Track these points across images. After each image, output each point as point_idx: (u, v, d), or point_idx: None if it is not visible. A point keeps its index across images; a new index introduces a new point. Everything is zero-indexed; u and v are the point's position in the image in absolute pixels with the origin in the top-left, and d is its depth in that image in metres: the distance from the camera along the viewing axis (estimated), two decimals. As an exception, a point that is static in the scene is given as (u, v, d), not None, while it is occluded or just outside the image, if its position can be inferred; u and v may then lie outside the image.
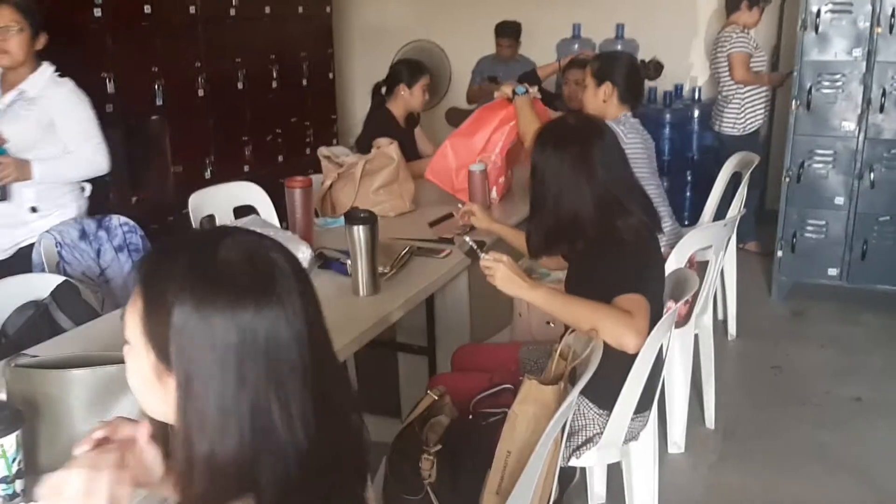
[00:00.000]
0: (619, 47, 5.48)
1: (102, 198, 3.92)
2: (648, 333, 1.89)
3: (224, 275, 0.88)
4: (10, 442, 1.38)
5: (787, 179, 4.31)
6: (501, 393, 2.05)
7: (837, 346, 3.92)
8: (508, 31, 5.50)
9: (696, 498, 2.80)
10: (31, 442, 1.47)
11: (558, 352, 1.85)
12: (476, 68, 5.64)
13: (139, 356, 0.92)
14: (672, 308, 2.14)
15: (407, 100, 3.82)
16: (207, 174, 4.55)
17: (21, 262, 2.72)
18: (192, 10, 4.42)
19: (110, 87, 3.93)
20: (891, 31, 3.97)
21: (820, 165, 4.24)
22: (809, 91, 4.17)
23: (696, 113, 5.44)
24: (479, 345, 2.65)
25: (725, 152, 4.23)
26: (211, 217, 3.18)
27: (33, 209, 2.84)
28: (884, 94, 4.03)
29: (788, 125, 4.29)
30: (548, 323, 2.57)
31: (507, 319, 2.77)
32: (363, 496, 1.00)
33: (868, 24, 4.02)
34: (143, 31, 4.13)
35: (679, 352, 2.91)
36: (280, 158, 5.17)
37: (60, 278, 2.42)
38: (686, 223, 5.07)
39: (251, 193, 3.34)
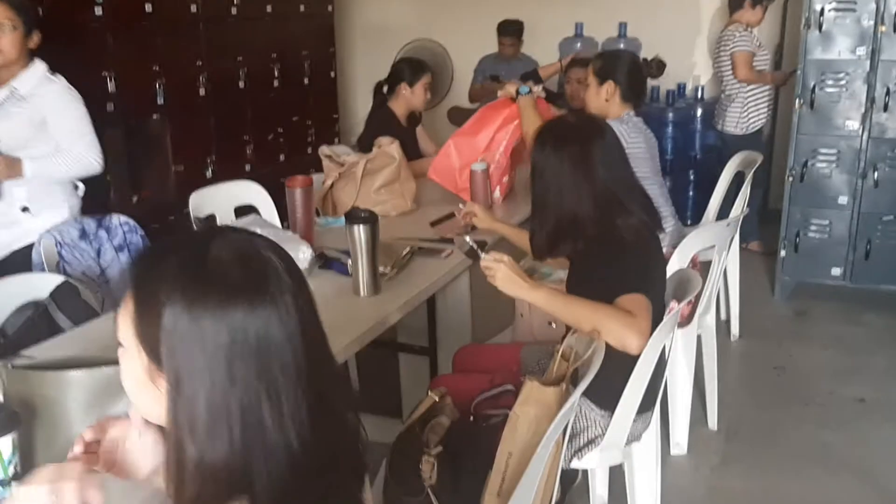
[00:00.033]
0: (621, 46, 5.46)
1: (103, 197, 3.93)
2: (651, 334, 1.88)
3: (215, 274, 0.87)
4: (6, 444, 1.37)
5: (791, 179, 4.29)
6: (502, 394, 2.04)
7: (841, 346, 3.90)
8: (511, 30, 5.49)
9: (699, 500, 2.78)
10: (28, 444, 1.46)
11: (560, 353, 1.84)
12: (478, 67, 5.63)
13: (132, 358, 0.92)
14: (675, 309, 2.13)
15: (408, 98, 3.81)
16: (209, 173, 4.53)
17: (20, 261, 2.69)
18: (193, 8, 4.40)
19: (111, 86, 3.91)
20: (895, 30, 3.95)
21: (823, 165, 4.22)
22: (813, 90, 4.15)
23: (699, 112, 5.42)
24: (480, 345, 2.64)
25: (728, 151, 4.21)
26: (211, 217, 3.16)
27: (24, 209, 2.81)
28: (888, 92, 4.01)
29: (792, 124, 4.27)
30: (550, 323, 2.55)
31: (508, 320, 2.76)
32: (360, 497, 0.99)
33: (872, 22, 4.00)
34: (144, 30, 4.11)
35: (682, 352, 2.89)
36: (282, 158, 5.15)
37: (60, 278, 2.40)
38: (689, 223, 5.05)
39: (252, 193, 3.32)
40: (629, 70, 3.07)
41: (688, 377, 2.94)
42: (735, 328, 3.96)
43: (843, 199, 4.21)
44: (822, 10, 4.06)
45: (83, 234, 2.86)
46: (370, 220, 2.25)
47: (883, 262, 4.18)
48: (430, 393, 2.03)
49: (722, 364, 3.21)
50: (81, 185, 2.97)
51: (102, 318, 2.25)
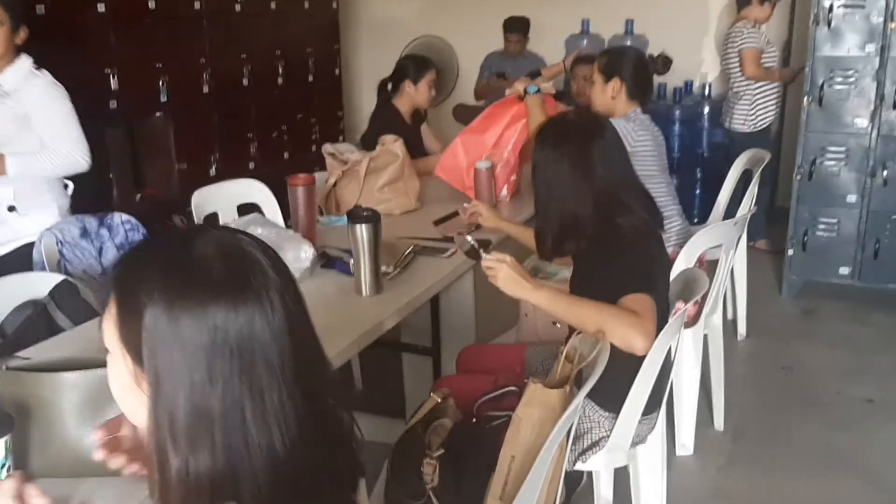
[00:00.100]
0: (628, 43, 5.42)
1: (106, 195, 3.92)
2: (656, 334, 1.86)
3: (197, 273, 0.85)
4: (-1, 447, 1.35)
5: (799, 177, 4.25)
6: (505, 395, 2.01)
7: (849, 346, 3.86)
8: (516, 27, 5.46)
9: (705, 501, 2.75)
10: (23, 446, 1.44)
11: (564, 354, 1.81)
12: (484, 64, 5.61)
13: (117, 362, 0.90)
14: (681, 309, 2.10)
15: (413, 96, 3.78)
16: (212, 171, 4.51)
17: (18, 260, 2.67)
18: (196, 5, 4.39)
19: (114, 84, 3.90)
20: (905, 26, 3.92)
21: (832, 163, 4.19)
22: (821, 87, 4.11)
23: (706, 109, 5.38)
24: (484, 345, 2.61)
25: (736, 149, 4.18)
26: (213, 215, 3.14)
27: (11, 208, 2.75)
28: (897, 90, 3.97)
29: (800, 122, 4.24)
30: (554, 324, 2.52)
31: (512, 320, 2.73)
32: (354, 499, 0.97)
33: (881, 19, 3.96)
34: (147, 27, 4.09)
35: (688, 352, 2.86)
36: (286, 156, 5.13)
37: (60, 277, 2.39)
38: (696, 221, 5.02)
39: (255, 191, 3.30)
40: (635, 67, 3.04)
41: (694, 377, 2.91)
42: (742, 327, 3.92)
43: (851, 198, 4.18)
44: (831, 6, 4.03)
45: (84, 233, 2.84)
46: (372, 218, 2.22)
47: (891, 262, 4.14)
48: (432, 394, 2.01)
49: (728, 364, 3.18)
50: (71, 184, 2.91)
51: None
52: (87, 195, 3.72)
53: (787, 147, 5.31)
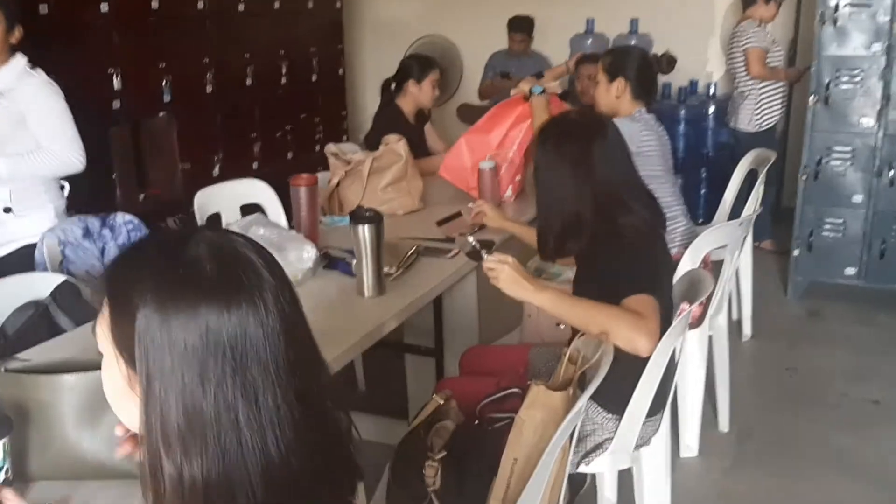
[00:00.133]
0: (633, 42, 5.40)
1: (109, 195, 3.92)
2: (660, 335, 1.84)
3: (189, 274, 0.84)
4: (-3, 450, 1.34)
5: (805, 177, 4.23)
6: (508, 397, 2.00)
7: (854, 347, 3.84)
8: (521, 26, 5.45)
9: (709, 503, 2.74)
10: (22, 449, 1.43)
11: (567, 356, 1.80)
12: (488, 63, 5.60)
13: (111, 366, 0.89)
14: (686, 310, 2.09)
15: (416, 96, 3.77)
16: (216, 171, 4.51)
17: (18, 262, 2.65)
18: (199, 5, 4.38)
19: (117, 84, 3.89)
20: (911, 26, 3.89)
21: (838, 163, 4.16)
22: (827, 87, 4.09)
23: (712, 109, 5.36)
24: (487, 347, 2.60)
25: (741, 149, 4.15)
26: (216, 215, 3.13)
27: (7, 209, 2.71)
28: (904, 89, 3.95)
29: (806, 121, 4.21)
30: (558, 325, 2.51)
31: (516, 321, 2.72)
32: (351, 501, 0.96)
33: (888, 18, 3.94)
34: (151, 27, 4.08)
35: (693, 353, 2.84)
36: (289, 155, 5.12)
37: (61, 278, 2.38)
38: (700, 221, 4.99)
39: (258, 191, 3.28)
40: (639, 66, 3.02)
41: (699, 378, 2.89)
42: (747, 328, 3.90)
43: (857, 198, 4.15)
44: (837, 5, 4.00)
45: (87, 233, 2.83)
46: (375, 219, 2.21)
47: (898, 262, 4.11)
48: (434, 396, 2.00)
49: (734, 365, 3.16)
50: (67, 185, 2.87)
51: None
52: (90, 195, 3.72)
53: (792, 147, 5.28)
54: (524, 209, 3.14)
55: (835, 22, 4.02)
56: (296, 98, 5.17)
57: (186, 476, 0.83)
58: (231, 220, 3.10)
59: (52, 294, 2.27)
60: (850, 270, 4.22)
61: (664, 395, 2.15)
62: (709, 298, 2.67)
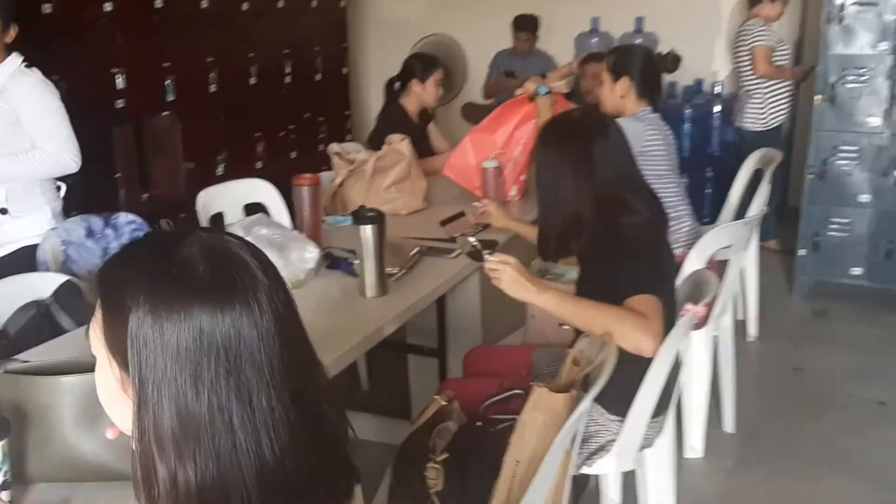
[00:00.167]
0: (638, 41, 5.38)
1: (112, 195, 3.91)
2: (663, 335, 1.83)
3: (182, 275, 0.83)
4: (-5, 452, 1.33)
5: (811, 176, 4.20)
6: (511, 398, 1.99)
7: (860, 347, 3.81)
8: (526, 25, 5.43)
9: (715, 504, 2.73)
10: (21, 451, 1.43)
11: (571, 358, 1.78)
12: (493, 62, 5.58)
13: (104, 369, 0.88)
14: (690, 311, 2.07)
15: (420, 95, 3.76)
16: (219, 171, 4.50)
17: (17, 263, 2.62)
18: (203, 4, 4.37)
19: (120, 83, 3.88)
20: (918, 24, 3.87)
21: (844, 162, 4.14)
22: (833, 86, 4.07)
23: (717, 108, 5.33)
24: (490, 347, 2.59)
25: (747, 148, 4.13)
26: (219, 215, 3.13)
27: (3, 210, 2.68)
28: (911, 88, 3.92)
29: (812, 121, 4.19)
30: (561, 325, 2.49)
31: (519, 321, 2.70)
32: None
33: (894, 17, 3.91)
34: (154, 26, 4.07)
35: (698, 354, 2.82)
36: (293, 155, 5.11)
37: (63, 277, 2.37)
38: (706, 220, 4.97)
39: (261, 191, 3.28)
40: (644, 65, 3.01)
41: (704, 379, 2.87)
42: (752, 328, 3.88)
43: (864, 198, 4.13)
44: (843, 4, 3.98)
45: (90, 233, 2.82)
46: (377, 219, 2.20)
47: (905, 262, 4.09)
48: (436, 397, 1.98)
49: (739, 365, 3.14)
50: (63, 186, 2.84)
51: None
52: (93, 195, 3.72)
53: (798, 146, 5.26)
54: (529, 209, 3.12)
55: (841, 21, 4.00)
56: (299, 97, 5.16)
57: (180, 479, 0.82)
58: (234, 219, 3.09)
59: (55, 294, 2.27)
60: (857, 270, 4.20)
61: (668, 397, 2.13)
62: (714, 299, 2.65)
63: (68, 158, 2.67)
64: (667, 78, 5.11)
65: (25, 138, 2.64)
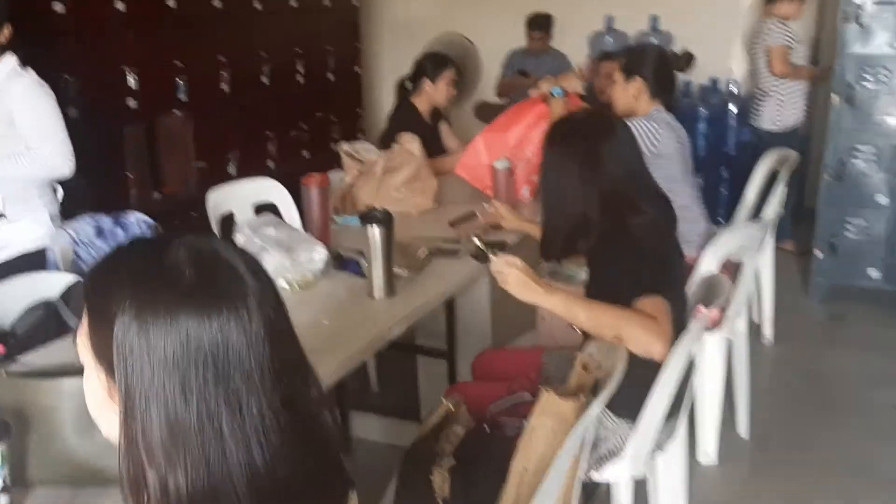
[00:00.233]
0: (653, 40, 5.33)
1: (123, 194, 3.91)
2: (673, 338, 1.80)
3: (168, 280, 0.82)
4: (-5, 456, 1.32)
5: (827, 177, 4.15)
6: (520, 402, 1.96)
7: (878, 351, 3.76)
8: (540, 24, 5.40)
9: (728, 511, 2.69)
10: (21, 454, 1.41)
11: (580, 363, 1.75)
12: (506, 61, 5.55)
13: (91, 376, 0.87)
14: (702, 314, 2.03)
15: (431, 94, 3.73)
16: (231, 170, 4.49)
17: (18, 270, 2.60)
18: (215, 3, 4.36)
19: (132, 82, 3.88)
20: (938, 23, 3.81)
21: (861, 163, 4.08)
22: (851, 86, 4.01)
23: (733, 108, 5.28)
24: (500, 350, 2.56)
25: (764, 148, 4.07)
26: (229, 215, 3.11)
27: (0, 215, 2.64)
28: (930, 88, 3.87)
29: (829, 121, 4.13)
30: (572, 327, 2.46)
31: (530, 324, 2.67)
32: None
33: (914, 15, 3.86)
34: (166, 25, 4.07)
35: (712, 357, 2.78)
36: (305, 154, 5.10)
37: (71, 278, 2.36)
38: (721, 221, 4.93)
39: (271, 191, 3.26)
40: (657, 65, 2.97)
41: (718, 383, 2.83)
42: (768, 331, 3.83)
43: (881, 199, 4.07)
44: (862, 3, 3.92)
45: (99, 232, 2.81)
46: (385, 220, 2.18)
47: (923, 265, 4.03)
48: (444, 401, 1.96)
49: (754, 369, 3.10)
50: (60, 189, 2.80)
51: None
52: (104, 194, 3.72)
53: (815, 146, 5.19)
54: (540, 209, 3.09)
55: (857, 19, 3.94)
56: (311, 97, 5.14)
57: (171, 487, 0.80)
58: (244, 219, 3.08)
59: (63, 294, 2.26)
60: (874, 273, 4.14)
61: (680, 400, 2.10)
62: (727, 302, 2.61)
63: (62, 162, 2.62)
64: (682, 77, 5.07)
65: (20, 140, 2.59)
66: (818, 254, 4.24)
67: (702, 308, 2.13)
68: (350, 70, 5.62)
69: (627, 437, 2.00)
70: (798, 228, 4.86)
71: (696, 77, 5.33)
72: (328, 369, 1.79)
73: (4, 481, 1.34)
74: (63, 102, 3.54)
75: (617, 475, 2.06)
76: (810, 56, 5.16)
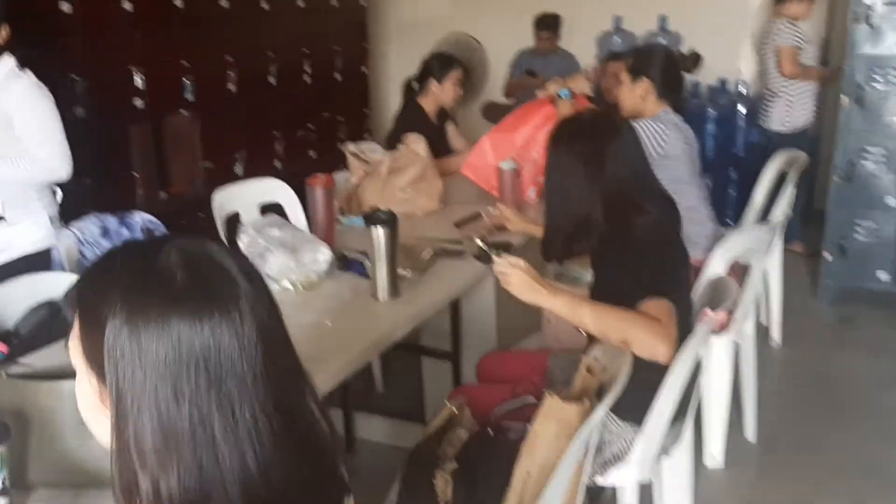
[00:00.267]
0: (661, 40, 5.31)
1: (129, 193, 3.91)
2: (678, 340, 1.78)
3: (159, 283, 0.81)
4: (-6, 458, 1.31)
5: (837, 179, 4.12)
6: (524, 406, 1.95)
7: (888, 353, 3.73)
8: (548, 24, 5.38)
9: (735, 515, 2.67)
10: (21, 456, 1.41)
11: (585, 366, 1.73)
12: (514, 61, 5.54)
13: (83, 381, 0.86)
14: (709, 317, 2.02)
15: (438, 95, 3.72)
16: (238, 170, 4.49)
17: (27, 265, 2.60)
18: (223, 3, 4.36)
19: (139, 82, 3.88)
20: (949, 23, 3.77)
21: (871, 164, 4.05)
22: (861, 87, 3.98)
23: (742, 108, 5.25)
24: (505, 352, 2.55)
25: (773, 149, 4.05)
26: (235, 215, 3.11)
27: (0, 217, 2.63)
28: (941, 89, 3.83)
29: (838, 122, 4.10)
30: (578, 329, 2.45)
31: (536, 326, 2.66)
32: None
33: (925, 16, 3.83)
34: (174, 25, 4.07)
35: (719, 360, 2.76)
36: (312, 154, 5.10)
37: (76, 277, 2.35)
38: (729, 222, 4.90)
39: (277, 191, 3.25)
40: (664, 66, 2.95)
41: (725, 386, 2.81)
42: (776, 334, 3.80)
43: (891, 201, 4.04)
44: (872, 3, 3.89)
45: (105, 232, 2.81)
46: (389, 221, 2.16)
47: (933, 267, 4.00)
48: (448, 403, 1.95)
49: (762, 372, 3.08)
50: (60, 192, 2.78)
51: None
52: (111, 193, 3.72)
53: (824, 147, 5.16)
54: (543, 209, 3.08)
55: (867, 19, 3.91)
56: (319, 97, 5.14)
57: (163, 492, 0.80)
58: (250, 219, 3.07)
59: (67, 294, 2.25)
60: (883, 275, 4.11)
61: (686, 403, 2.08)
62: (734, 305, 2.59)
63: (57, 165, 2.60)
64: (690, 77, 5.04)
65: (17, 142, 2.57)
66: (827, 256, 4.21)
67: (708, 311, 2.11)
68: (357, 70, 5.61)
69: (632, 441, 1.99)
70: (807, 230, 4.83)
71: (705, 77, 5.30)
72: (332, 370, 1.79)
73: (4, 483, 1.34)
74: (70, 102, 3.57)
75: (623, 480, 2.04)
76: (820, 57, 5.12)
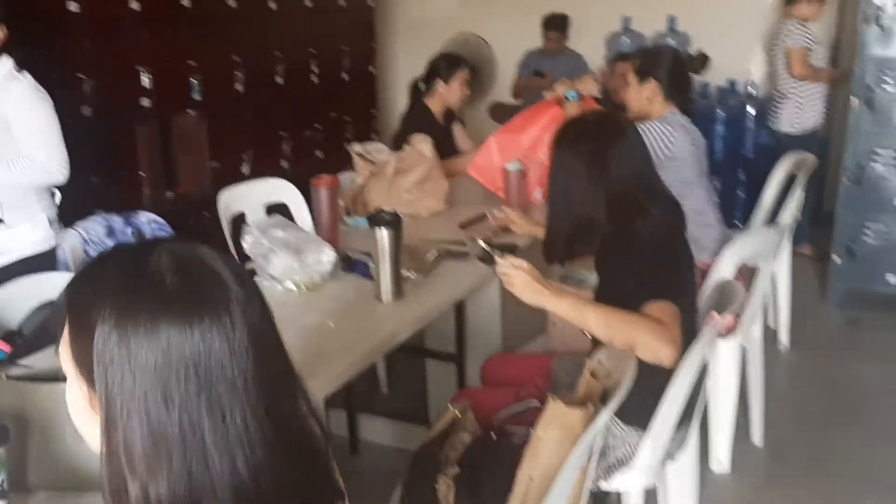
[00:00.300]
0: (670, 41, 5.28)
1: (136, 193, 3.91)
2: (684, 344, 1.77)
3: (149, 288, 0.80)
4: (-7, 460, 1.31)
5: (846, 181, 4.09)
6: (527, 410, 1.93)
7: (897, 358, 3.70)
8: (556, 25, 5.37)
9: (741, 521, 2.65)
10: (21, 458, 1.40)
11: (589, 370, 1.72)
12: (522, 62, 5.52)
13: (73, 386, 0.86)
14: (716, 321, 2.00)
15: (444, 95, 3.71)
16: (245, 170, 4.49)
17: (28, 267, 2.59)
18: (230, 3, 4.36)
19: (146, 82, 3.88)
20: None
21: (881, 166, 4.02)
22: (871, 88, 3.95)
23: (751, 110, 5.22)
24: (509, 355, 2.53)
25: (782, 151, 4.03)
26: (240, 215, 3.10)
27: None
28: (952, 91, 3.80)
29: (848, 124, 4.07)
30: (583, 332, 2.43)
31: (541, 328, 2.64)
32: None
33: (936, 17, 3.79)
34: (181, 25, 4.07)
35: (726, 364, 2.74)
36: (319, 154, 5.09)
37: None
38: (738, 224, 4.87)
39: (283, 191, 3.25)
40: (671, 67, 2.93)
41: (731, 390, 2.79)
42: (784, 337, 3.77)
43: (902, 203, 4.01)
44: (883, 4, 3.86)
45: (110, 232, 2.81)
46: (393, 222, 2.15)
47: (944, 270, 3.96)
48: (451, 407, 1.93)
49: (769, 376, 3.06)
50: (59, 194, 2.77)
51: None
52: (118, 193, 3.73)
53: (833, 149, 5.12)
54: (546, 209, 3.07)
55: (879, 21, 3.88)
56: (326, 97, 5.13)
57: (153, 497, 0.79)
58: (256, 220, 3.06)
59: (70, 295, 2.25)
60: (893, 278, 4.08)
61: (691, 408, 2.07)
62: (742, 308, 2.57)
63: (55, 168, 2.58)
64: (699, 79, 5.01)
65: (14, 144, 2.56)
66: (836, 258, 4.18)
67: (715, 314, 2.10)
68: (365, 70, 5.60)
69: (637, 446, 1.97)
70: (816, 232, 4.79)
71: (714, 79, 5.27)
72: (336, 371, 1.78)
73: (3, 485, 1.33)
74: (77, 101, 3.58)
75: (627, 485, 2.03)
76: (830, 58, 5.09)
